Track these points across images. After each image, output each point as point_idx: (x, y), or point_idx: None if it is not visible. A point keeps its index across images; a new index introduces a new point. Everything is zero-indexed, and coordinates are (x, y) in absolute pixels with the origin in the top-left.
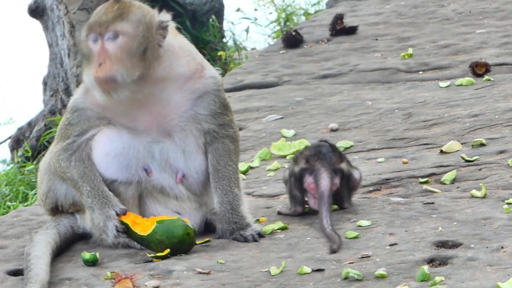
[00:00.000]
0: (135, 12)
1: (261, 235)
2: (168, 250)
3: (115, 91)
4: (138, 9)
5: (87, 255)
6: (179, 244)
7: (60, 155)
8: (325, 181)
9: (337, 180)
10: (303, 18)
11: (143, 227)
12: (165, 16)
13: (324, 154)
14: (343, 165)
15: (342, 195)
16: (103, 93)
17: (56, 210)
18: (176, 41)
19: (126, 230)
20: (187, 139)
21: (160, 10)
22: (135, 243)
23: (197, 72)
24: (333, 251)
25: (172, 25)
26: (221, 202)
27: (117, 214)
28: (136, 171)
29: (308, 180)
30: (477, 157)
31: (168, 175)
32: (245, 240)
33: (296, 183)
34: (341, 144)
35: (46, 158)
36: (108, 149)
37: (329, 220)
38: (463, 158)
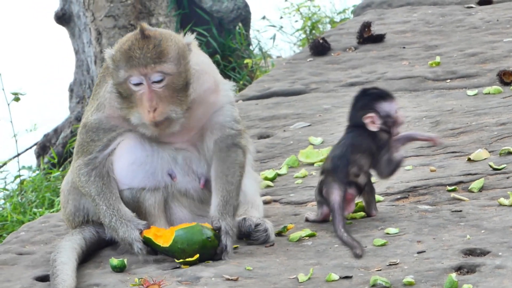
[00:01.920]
0: (172, 47)
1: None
2: (197, 256)
3: (169, 127)
4: (172, 43)
5: (115, 261)
6: (201, 249)
7: (81, 169)
8: (335, 195)
9: (352, 191)
10: (328, 26)
11: (165, 238)
12: (190, 38)
13: (337, 168)
14: (361, 178)
15: (368, 202)
16: (157, 130)
17: (89, 224)
18: (198, 59)
19: (150, 245)
20: (207, 147)
21: (186, 17)
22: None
23: (215, 87)
24: (357, 256)
25: (195, 44)
26: (223, 205)
27: (141, 232)
28: (162, 177)
29: (324, 191)
30: (504, 165)
31: (191, 179)
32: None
33: (318, 191)
34: None
35: (69, 178)
36: (133, 159)
37: (342, 229)
38: (490, 166)
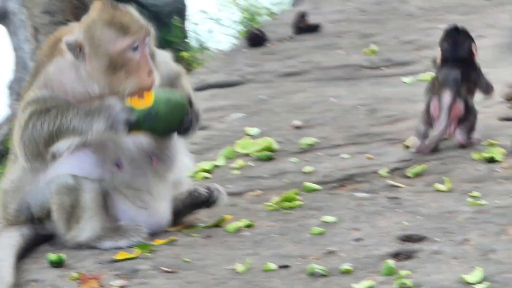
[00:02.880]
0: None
1: None
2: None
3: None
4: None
5: (52, 256)
6: (181, 110)
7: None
8: (447, 97)
9: (460, 103)
10: (267, 17)
11: (145, 102)
12: None
13: (451, 82)
14: (469, 98)
15: (470, 128)
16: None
17: (31, 222)
18: None
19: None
20: None
21: None
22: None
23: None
24: (418, 151)
25: None
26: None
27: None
28: (108, 167)
29: (434, 104)
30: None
31: (142, 161)
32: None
33: (424, 115)
34: (305, 141)
35: (12, 177)
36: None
37: (439, 135)
38: None
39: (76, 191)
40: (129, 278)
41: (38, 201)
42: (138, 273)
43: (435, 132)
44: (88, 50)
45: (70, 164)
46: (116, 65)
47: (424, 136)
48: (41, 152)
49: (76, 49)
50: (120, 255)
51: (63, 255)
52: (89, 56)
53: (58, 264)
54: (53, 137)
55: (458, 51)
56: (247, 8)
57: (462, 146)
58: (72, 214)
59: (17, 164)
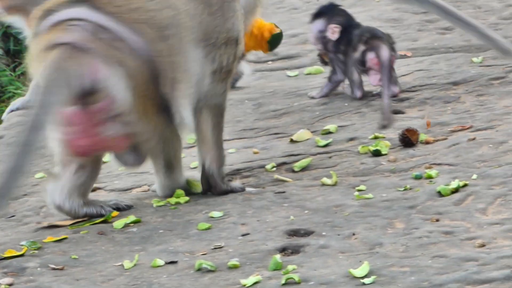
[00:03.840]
0: None
1: None
2: None
3: None
4: None
5: None
6: None
7: None
8: (386, 52)
9: (394, 53)
10: None
11: None
12: None
13: (381, 33)
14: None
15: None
16: None
17: None
18: None
19: None
20: None
21: None
22: None
23: None
24: (383, 127)
25: None
26: None
27: None
28: None
29: (370, 56)
30: (331, 140)
31: None
32: None
33: (357, 66)
34: (191, 137)
35: None
36: None
37: (388, 97)
38: (317, 142)
39: None
40: (16, 276)
41: None
42: (25, 271)
43: (385, 98)
44: None
45: None
46: None
47: (360, 84)
48: None
49: None
50: (8, 253)
51: None
52: None
53: None
54: None
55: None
56: None
57: (395, 96)
58: None
59: None
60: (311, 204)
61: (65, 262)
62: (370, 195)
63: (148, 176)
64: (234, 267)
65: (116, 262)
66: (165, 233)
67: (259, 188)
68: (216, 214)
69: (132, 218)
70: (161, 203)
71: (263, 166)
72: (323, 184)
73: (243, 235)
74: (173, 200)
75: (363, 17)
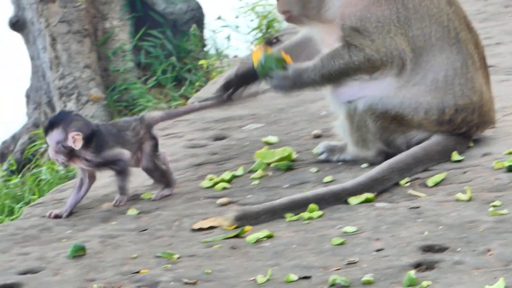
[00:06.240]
0: None
1: None
2: None
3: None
4: None
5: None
6: None
7: None
8: None
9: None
10: (285, 24)
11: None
12: None
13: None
14: None
15: None
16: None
17: None
18: None
19: None
20: None
21: (140, 20)
22: None
23: None
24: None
25: None
26: None
27: None
28: None
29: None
30: (463, 157)
31: None
32: None
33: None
34: None
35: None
36: None
37: None
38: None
39: None
40: None
41: None
42: (159, 285)
43: None
44: None
45: None
46: None
47: None
48: None
49: None
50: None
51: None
52: None
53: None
54: None
55: None
56: (265, 15)
57: None
58: None
59: None
60: (446, 219)
61: (198, 276)
62: (505, 211)
63: (281, 190)
64: (368, 283)
65: (249, 277)
66: (298, 248)
67: (393, 203)
68: (349, 229)
69: (265, 232)
70: (294, 218)
71: (396, 181)
72: (457, 200)
73: (377, 250)
74: (306, 214)
75: (496, 31)
